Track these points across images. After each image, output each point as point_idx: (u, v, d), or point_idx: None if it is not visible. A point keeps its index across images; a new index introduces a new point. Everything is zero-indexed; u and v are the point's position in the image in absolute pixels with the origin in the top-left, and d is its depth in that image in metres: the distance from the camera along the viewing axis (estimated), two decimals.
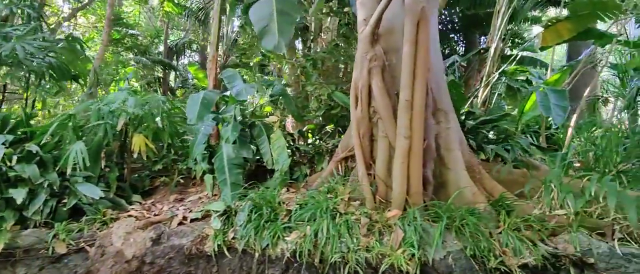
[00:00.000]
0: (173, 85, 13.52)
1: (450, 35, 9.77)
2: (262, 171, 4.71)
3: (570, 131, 4.83)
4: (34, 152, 3.66)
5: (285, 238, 3.11)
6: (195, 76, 7.40)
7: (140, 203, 4.11)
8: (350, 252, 2.89)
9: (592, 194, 3.11)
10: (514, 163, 4.12)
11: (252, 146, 4.59)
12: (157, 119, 4.49)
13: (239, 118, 4.38)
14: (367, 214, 3.11)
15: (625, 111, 6.06)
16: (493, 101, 5.86)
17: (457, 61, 6.97)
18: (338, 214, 3.16)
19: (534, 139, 5.46)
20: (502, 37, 5.82)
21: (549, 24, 4.81)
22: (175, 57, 13.10)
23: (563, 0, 4.91)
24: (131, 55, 11.32)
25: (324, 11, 5.41)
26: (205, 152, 4.34)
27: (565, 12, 5.09)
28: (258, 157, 4.59)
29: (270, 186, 4.03)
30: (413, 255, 2.83)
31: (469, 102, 5.60)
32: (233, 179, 3.89)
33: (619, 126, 3.92)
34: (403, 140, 3.16)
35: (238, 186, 3.88)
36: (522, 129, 5.51)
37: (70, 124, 3.93)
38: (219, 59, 6.00)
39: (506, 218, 3.24)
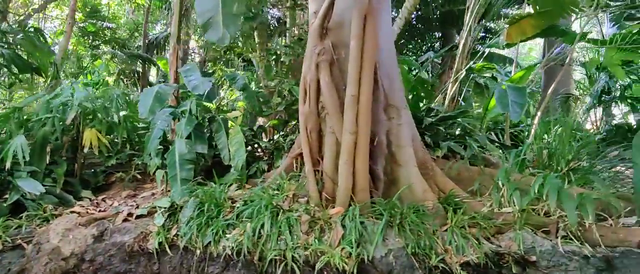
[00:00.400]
0: (154, 80, 13.32)
1: (429, 32, 9.74)
2: (222, 167, 4.62)
3: (533, 128, 4.82)
4: None
5: (226, 235, 3.04)
6: (166, 71, 7.27)
7: (90, 199, 4.01)
8: (289, 250, 2.84)
9: (536, 191, 3.09)
10: (472, 160, 4.09)
11: (213, 142, 4.51)
12: (115, 113, 4.39)
13: (195, 113, 4.28)
14: (309, 211, 3.05)
15: (593, 108, 6.07)
16: (461, 98, 5.84)
17: (430, 58, 6.93)
18: (281, 211, 3.09)
19: (501, 136, 5.45)
20: (471, 33, 5.79)
21: (514, 20, 4.78)
22: (155, 51, 12.89)
23: None
24: (107, 49, 11.11)
25: (288, 5, 5.32)
26: (160, 147, 4.24)
27: (529, 8, 5.05)
28: (217, 152, 4.51)
29: (225, 182, 3.97)
30: (351, 253, 2.78)
31: (436, 98, 5.57)
32: (184, 175, 3.80)
33: (572, 123, 3.90)
34: (348, 136, 3.10)
35: (188, 182, 3.79)
36: (488, 126, 5.49)
37: (16, 117, 3.80)
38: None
39: (453, 215, 3.21)
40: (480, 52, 5.64)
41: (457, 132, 4.78)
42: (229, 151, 4.35)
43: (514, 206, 3.19)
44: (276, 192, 3.33)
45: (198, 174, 4.21)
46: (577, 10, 4.34)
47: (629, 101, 6.01)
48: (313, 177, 3.25)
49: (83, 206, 3.70)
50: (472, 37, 5.81)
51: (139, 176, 4.63)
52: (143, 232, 3.30)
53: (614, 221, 3.15)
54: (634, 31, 4.66)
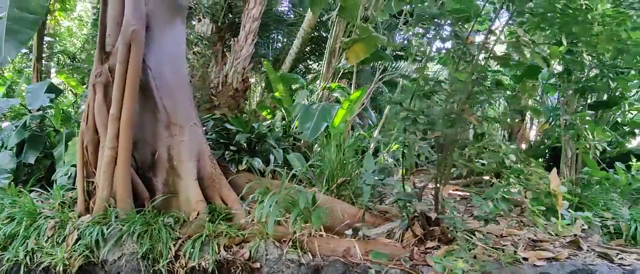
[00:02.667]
0: None
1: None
2: None
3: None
4: None
5: None
6: (68, 84, 7.66)
7: None
8: (29, 253, 3.15)
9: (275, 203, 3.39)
10: (274, 173, 4.42)
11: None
12: None
13: (30, 126, 4.64)
14: (61, 218, 3.37)
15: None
16: None
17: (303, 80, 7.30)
18: (43, 217, 3.42)
19: None
20: (334, 55, 6.16)
21: (347, 45, 5.16)
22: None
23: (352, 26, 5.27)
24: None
25: None
26: None
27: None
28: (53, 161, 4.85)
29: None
30: (80, 255, 3.09)
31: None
32: None
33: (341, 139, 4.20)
34: (108, 150, 3.44)
35: (3, 190, 4.13)
36: None
37: None
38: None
39: (209, 225, 3.51)
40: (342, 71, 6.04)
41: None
42: (64, 162, 4.69)
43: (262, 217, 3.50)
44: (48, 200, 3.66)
45: (34, 183, 4.54)
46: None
47: None
48: (81, 187, 3.57)
49: None
50: (335, 58, 6.18)
51: None
52: None
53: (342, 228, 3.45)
54: None
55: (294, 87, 6.67)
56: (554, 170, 3.40)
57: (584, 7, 3.40)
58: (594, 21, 3.49)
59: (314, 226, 3.27)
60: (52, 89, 4.97)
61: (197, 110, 4.40)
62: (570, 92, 4.54)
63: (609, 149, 5.20)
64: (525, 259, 2.82)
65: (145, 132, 3.81)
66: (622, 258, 2.94)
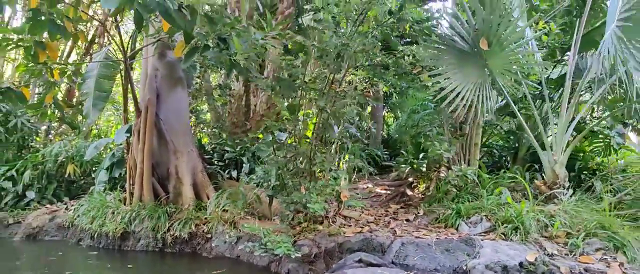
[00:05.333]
0: None
1: None
2: None
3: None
4: None
5: None
6: None
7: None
8: (99, 226, 5.83)
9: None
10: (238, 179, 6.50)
11: None
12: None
13: (116, 153, 7.63)
14: (116, 207, 6.01)
15: None
16: None
17: None
18: (107, 206, 6.12)
19: None
20: None
21: None
22: None
23: None
24: None
25: None
26: None
27: None
28: None
29: None
30: (120, 227, 5.64)
31: None
32: None
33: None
34: (138, 169, 6.02)
35: None
36: None
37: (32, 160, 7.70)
38: None
39: (193, 212, 5.77)
40: None
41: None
42: None
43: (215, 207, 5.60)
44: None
45: (114, 188, 7.50)
46: None
47: None
48: (128, 189, 6.21)
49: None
50: None
51: None
52: None
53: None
54: None
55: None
56: None
57: None
58: None
59: (241, 212, 5.26)
60: (129, 130, 7.96)
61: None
62: None
63: None
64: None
65: (162, 157, 6.31)
66: None
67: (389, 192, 6.48)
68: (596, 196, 4.93)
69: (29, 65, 4.80)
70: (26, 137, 8.61)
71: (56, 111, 6.23)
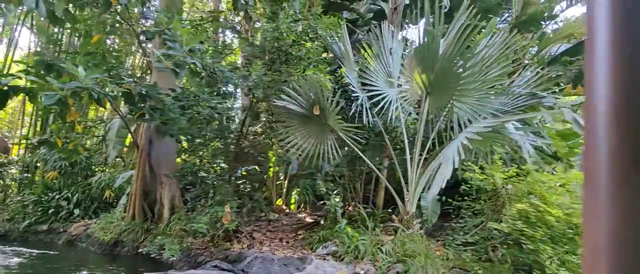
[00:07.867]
0: None
1: None
2: None
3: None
4: None
5: None
6: None
7: None
8: (106, 234, 8.15)
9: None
10: None
11: None
12: None
13: None
14: (118, 222, 8.30)
15: None
16: None
17: None
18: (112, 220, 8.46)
19: None
20: None
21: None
22: None
23: None
24: None
25: None
26: None
27: None
28: None
29: None
30: (114, 235, 7.87)
31: None
32: None
33: None
34: (132, 195, 8.30)
35: None
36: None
37: None
38: None
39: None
40: None
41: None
42: None
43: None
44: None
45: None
46: None
47: None
48: (127, 211, 8.52)
49: None
50: None
51: None
52: None
53: None
54: None
55: None
56: None
57: None
58: None
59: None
60: None
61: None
62: None
63: None
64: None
65: (152, 187, 8.54)
66: None
67: (312, 221, 7.74)
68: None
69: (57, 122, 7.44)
70: (85, 169, 11.69)
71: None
